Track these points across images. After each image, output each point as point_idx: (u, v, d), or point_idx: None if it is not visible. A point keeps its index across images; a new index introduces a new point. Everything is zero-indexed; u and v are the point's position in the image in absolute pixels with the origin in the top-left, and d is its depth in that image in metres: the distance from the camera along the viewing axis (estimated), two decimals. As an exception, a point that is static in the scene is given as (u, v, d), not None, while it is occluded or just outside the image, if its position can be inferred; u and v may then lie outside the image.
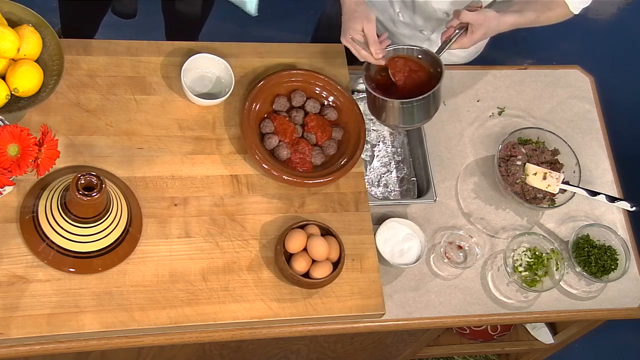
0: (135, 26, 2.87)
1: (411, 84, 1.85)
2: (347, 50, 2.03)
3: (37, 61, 1.72)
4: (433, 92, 1.77)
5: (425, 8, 2.02)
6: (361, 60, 1.84)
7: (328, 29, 2.28)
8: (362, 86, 2.14)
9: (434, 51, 1.83)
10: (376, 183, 2.06)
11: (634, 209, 2.00)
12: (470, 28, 1.78)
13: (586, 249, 2.00)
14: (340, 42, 2.05)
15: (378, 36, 1.81)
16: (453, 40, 1.81)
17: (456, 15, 1.79)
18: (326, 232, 1.80)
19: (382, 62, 1.82)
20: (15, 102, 1.69)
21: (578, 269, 1.98)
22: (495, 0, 1.86)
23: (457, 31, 1.80)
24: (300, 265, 1.73)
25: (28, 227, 1.66)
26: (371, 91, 1.81)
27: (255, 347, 2.02)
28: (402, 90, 1.85)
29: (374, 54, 1.80)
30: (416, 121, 1.87)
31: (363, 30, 1.80)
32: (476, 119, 2.14)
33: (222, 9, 3.08)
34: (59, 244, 1.63)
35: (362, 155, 1.94)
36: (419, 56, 1.86)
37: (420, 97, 1.77)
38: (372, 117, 2.13)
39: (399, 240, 1.90)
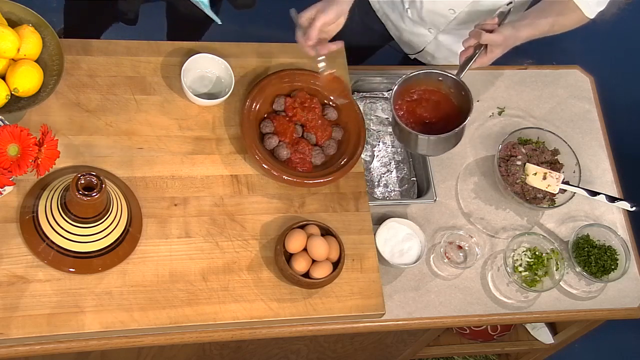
0: (136, 26, 2.88)
1: (436, 113, 1.86)
2: (347, 50, 2.04)
3: (37, 61, 1.72)
4: (460, 128, 1.79)
5: (431, 7, 2.02)
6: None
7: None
8: (362, 86, 2.14)
9: (455, 73, 1.83)
10: (376, 183, 2.06)
11: (634, 209, 2.00)
12: (490, 47, 1.79)
13: (586, 249, 2.00)
14: (339, 42, 2.05)
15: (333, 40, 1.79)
16: (473, 60, 1.81)
17: (475, 36, 1.78)
18: (326, 232, 1.80)
19: (311, 52, 1.78)
20: (15, 102, 1.69)
21: (578, 269, 1.98)
22: (509, 13, 1.86)
23: (476, 51, 1.81)
24: (300, 265, 1.73)
25: (28, 227, 1.66)
26: (400, 123, 1.81)
27: (255, 347, 2.02)
28: (426, 117, 1.86)
29: (305, 40, 1.76)
30: (441, 152, 1.91)
31: (313, 18, 1.75)
32: (476, 119, 2.14)
33: (222, 9, 3.08)
34: (59, 244, 1.63)
35: (362, 155, 1.94)
36: (439, 79, 1.85)
37: (448, 133, 1.78)
38: (372, 117, 2.13)
39: (399, 240, 1.90)
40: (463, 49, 1.82)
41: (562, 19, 1.87)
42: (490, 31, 1.78)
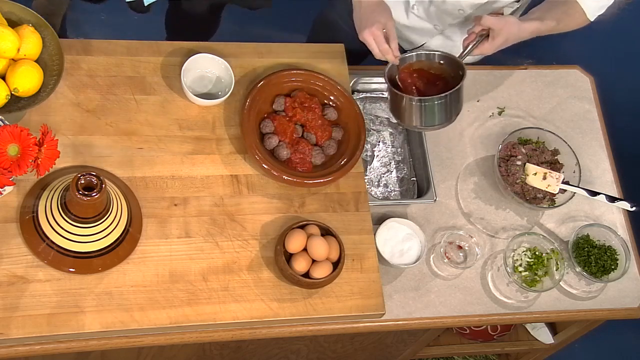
0: (136, 26, 2.87)
1: (432, 89, 1.86)
2: (347, 50, 2.04)
3: (37, 61, 1.72)
4: (453, 91, 1.78)
5: (440, 5, 2.02)
6: (378, 56, 1.83)
7: (325, 30, 2.29)
8: (362, 86, 2.14)
9: (456, 55, 1.84)
10: (376, 183, 2.06)
11: (634, 209, 2.00)
12: (492, 34, 1.80)
13: (586, 249, 2.00)
14: (338, 42, 2.05)
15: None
16: (474, 46, 1.82)
17: (477, 21, 1.80)
18: (326, 232, 1.80)
19: (396, 60, 1.83)
20: (15, 102, 1.69)
21: (578, 269, 1.98)
22: (518, 8, 1.87)
23: (478, 37, 1.81)
24: (300, 265, 1.73)
25: (28, 227, 1.66)
26: (392, 88, 1.82)
27: (255, 347, 2.02)
28: (423, 94, 1.86)
29: (394, 50, 1.81)
30: (437, 122, 1.88)
31: (385, 27, 1.81)
32: (476, 119, 2.14)
33: (225, 8, 3.08)
34: (59, 244, 1.63)
35: (362, 155, 1.94)
36: (441, 61, 1.86)
37: (442, 94, 1.78)
38: (372, 117, 2.13)
39: (399, 240, 1.90)
40: (468, 30, 1.83)
41: (567, 18, 1.90)
42: (494, 17, 1.80)
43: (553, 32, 1.90)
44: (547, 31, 1.88)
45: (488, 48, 1.82)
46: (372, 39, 1.81)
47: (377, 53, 1.83)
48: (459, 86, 1.79)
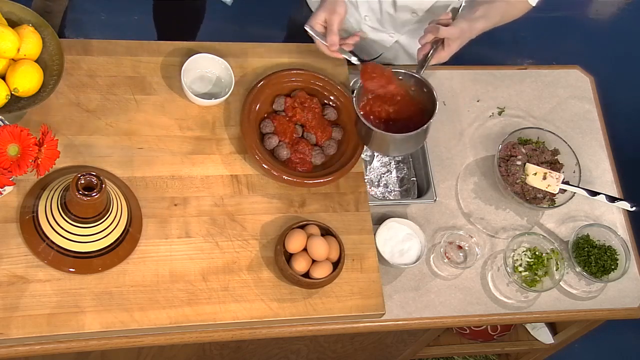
0: (136, 26, 2.88)
1: (399, 112, 1.84)
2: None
3: (37, 61, 1.72)
4: (427, 125, 1.76)
5: (392, 12, 2.02)
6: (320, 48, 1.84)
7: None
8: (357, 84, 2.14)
9: (414, 71, 1.81)
10: (376, 183, 2.06)
11: (634, 209, 2.00)
12: (447, 42, 1.79)
13: (586, 249, 2.00)
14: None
15: (347, 35, 1.83)
16: (431, 56, 1.80)
17: (432, 31, 1.78)
18: (326, 232, 1.80)
19: (337, 55, 1.82)
20: (15, 102, 1.69)
21: (578, 269, 1.98)
22: (461, 8, 1.86)
23: (433, 46, 1.80)
24: (300, 265, 1.73)
25: (28, 227, 1.66)
26: (364, 120, 1.77)
27: (255, 347, 2.02)
28: (389, 115, 1.84)
29: (329, 45, 1.80)
30: (405, 151, 1.91)
31: (325, 21, 1.80)
32: (476, 119, 2.14)
33: (222, 9, 3.09)
34: (59, 244, 1.63)
35: (362, 155, 1.94)
36: (400, 77, 1.82)
37: (415, 131, 1.75)
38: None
39: (399, 240, 1.90)
40: (421, 40, 1.82)
41: (510, 8, 1.89)
42: (446, 25, 1.78)
43: (499, 24, 1.88)
44: (493, 25, 1.87)
45: (445, 55, 1.81)
46: (310, 32, 1.80)
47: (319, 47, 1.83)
48: (431, 121, 1.76)
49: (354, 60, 1.83)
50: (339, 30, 1.81)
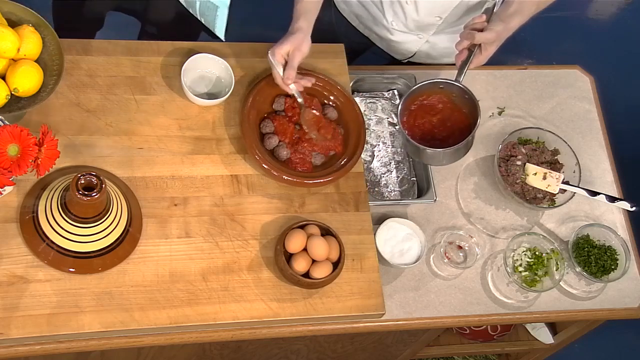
0: (136, 26, 2.88)
1: (444, 122, 1.88)
2: (347, 50, 2.04)
3: (37, 61, 1.72)
4: (474, 131, 1.80)
5: (415, 17, 2.02)
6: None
7: (323, 30, 2.28)
8: (362, 86, 2.14)
9: (454, 78, 1.83)
10: (376, 183, 2.06)
11: (634, 209, 2.00)
12: (484, 46, 1.79)
13: (586, 249, 2.00)
14: (339, 43, 2.06)
15: (304, 73, 1.85)
16: (470, 62, 1.80)
17: (468, 38, 1.77)
18: (326, 232, 1.80)
19: (288, 89, 1.83)
20: (15, 102, 1.69)
21: (578, 269, 1.98)
22: (494, 7, 1.85)
23: (471, 50, 1.80)
24: (300, 265, 1.73)
25: (28, 227, 1.66)
26: (412, 141, 1.83)
27: (255, 347, 2.02)
28: (434, 127, 1.88)
29: (284, 79, 1.81)
30: (456, 159, 1.91)
31: (288, 55, 1.80)
32: (476, 119, 2.14)
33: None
34: (59, 244, 1.63)
35: (362, 155, 1.94)
36: (441, 87, 1.86)
37: (460, 143, 1.80)
38: (372, 117, 2.13)
39: (399, 240, 1.90)
40: (457, 46, 1.82)
41: None
42: (481, 30, 1.77)
43: (536, 13, 1.87)
44: (530, 16, 1.85)
45: (482, 59, 1.81)
46: (270, 60, 1.81)
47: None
48: (475, 129, 1.81)
49: (300, 100, 1.86)
50: (297, 66, 1.82)
